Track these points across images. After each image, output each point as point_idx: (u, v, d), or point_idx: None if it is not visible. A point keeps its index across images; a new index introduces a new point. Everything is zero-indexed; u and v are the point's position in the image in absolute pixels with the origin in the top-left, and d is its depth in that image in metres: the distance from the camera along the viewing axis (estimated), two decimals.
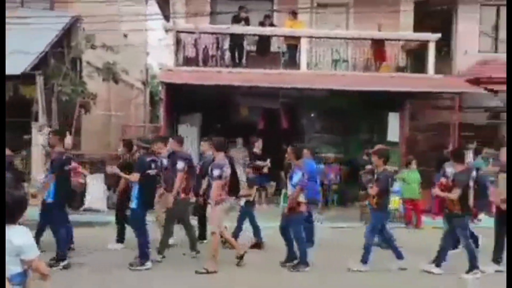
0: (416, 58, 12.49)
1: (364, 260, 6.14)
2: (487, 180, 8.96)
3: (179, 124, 12.04)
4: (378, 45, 12.28)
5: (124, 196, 6.65)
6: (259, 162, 10.16)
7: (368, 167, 10.44)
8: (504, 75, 12.31)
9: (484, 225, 8.19)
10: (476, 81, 12.07)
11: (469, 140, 11.13)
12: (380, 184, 6.17)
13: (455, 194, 6.02)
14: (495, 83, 12.16)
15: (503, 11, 13.97)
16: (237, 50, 11.99)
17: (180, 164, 6.36)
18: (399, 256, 6.27)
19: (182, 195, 6.48)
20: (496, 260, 6.22)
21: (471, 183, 6.38)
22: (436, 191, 6.40)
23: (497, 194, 6.46)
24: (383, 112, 11.98)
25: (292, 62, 12.16)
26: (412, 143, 11.58)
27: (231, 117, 12.14)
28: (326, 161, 11.17)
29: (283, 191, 10.86)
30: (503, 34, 13.85)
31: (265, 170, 10.40)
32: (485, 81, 12.19)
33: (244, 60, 12.09)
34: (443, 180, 6.48)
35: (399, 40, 12.51)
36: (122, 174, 6.40)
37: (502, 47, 13.65)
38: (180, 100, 11.31)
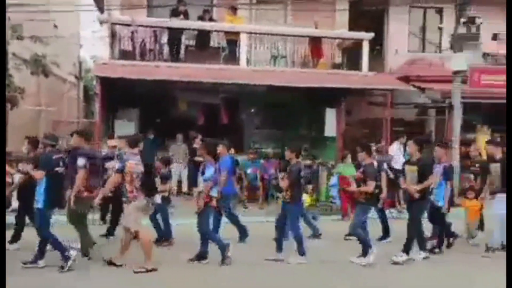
0: (351, 56, 12.96)
1: (301, 252, 6.26)
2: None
3: (115, 119, 11.64)
4: (315, 43, 12.60)
5: (25, 194, 6.25)
6: (198, 158, 10.06)
7: (307, 162, 10.76)
8: (431, 73, 13.17)
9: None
10: (406, 79, 12.75)
11: (399, 134, 11.72)
12: (291, 177, 6.23)
13: (370, 186, 6.23)
14: (423, 81, 12.94)
15: (430, 13, 14.88)
16: (176, 45, 11.78)
17: (81, 161, 6.03)
18: (300, 252, 6.31)
19: (85, 193, 6.13)
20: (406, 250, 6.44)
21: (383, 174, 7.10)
22: (351, 187, 6.61)
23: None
24: (321, 108, 12.33)
25: (232, 57, 12.15)
26: (347, 138, 12.02)
27: (170, 112, 11.94)
28: (266, 156, 11.30)
29: None
30: (429, 35, 14.75)
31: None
32: (414, 79, 12.91)
33: (183, 55, 11.91)
34: (358, 173, 6.67)
35: (335, 38, 12.91)
36: (32, 172, 5.89)
37: (429, 47, 14.53)
38: (116, 95, 10.92)
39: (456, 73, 11.77)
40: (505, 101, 12.62)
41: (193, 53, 11.97)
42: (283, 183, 6.33)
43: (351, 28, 13.42)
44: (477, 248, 7.10)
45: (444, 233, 7.13)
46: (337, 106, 12.41)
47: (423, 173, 6.40)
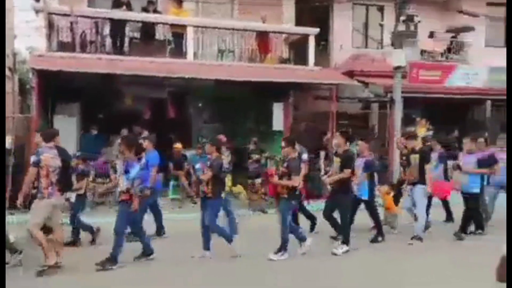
0: (298, 51, 13.12)
1: (206, 247, 6.23)
2: None
3: (54, 114, 11.07)
4: (262, 37, 12.63)
5: None
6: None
7: (256, 156, 10.79)
8: (373, 68, 13.62)
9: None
10: (350, 74, 13.13)
11: (344, 127, 12.05)
12: (213, 171, 6.16)
13: (295, 181, 6.16)
14: (366, 76, 13.38)
15: (372, 11, 15.38)
16: (119, 37, 11.36)
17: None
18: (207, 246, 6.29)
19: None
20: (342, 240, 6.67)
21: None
22: (274, 179, 6.42)
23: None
24: (268, 102, 12.40)
25: (179, 51, 11.91)
26: (295, 131, 12.19)
27: (114, 107, 11.52)
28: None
29: (171, 182, 10.67)
30: (372, 31, 15.25)
31: None
32: (357, 74, 13.33)
33: (127, 48, 11.51)
34: (283, 168, 6.41)
35: (281, 33, 13.01)
36: None
37: (371, 43, 15.03)
38: (55, 89, 10.38)
39: (396, 68, 12.27)
40: (440, 95, 13.42)
41: (138, 46, 11.59)
42: (204, 177, 6.20)
43: (297, 23, 13.59)
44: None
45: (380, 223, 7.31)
46: (284, 100, 12.54)
47: (344, 166, 6.55)
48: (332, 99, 12.21)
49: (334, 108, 12.17)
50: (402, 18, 12.34)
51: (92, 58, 10.74)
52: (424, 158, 7.12)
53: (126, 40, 11.54)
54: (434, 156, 8.02)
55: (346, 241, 6.52)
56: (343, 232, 6.65)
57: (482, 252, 5.88)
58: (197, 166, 10.74)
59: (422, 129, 12.74)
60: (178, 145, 10.88)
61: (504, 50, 16.18)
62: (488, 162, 7.62)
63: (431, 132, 12.44)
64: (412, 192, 7.22)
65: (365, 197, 7.15)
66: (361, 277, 5.58)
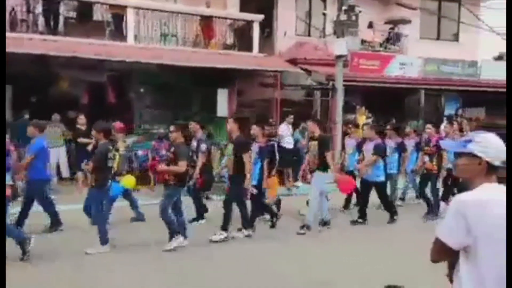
0: (242, 37, 13.07)
1: (103, 241, 5.82)
2: (302, 151, 10.05)
3: None
4: (206, 22, 12.44)
5: None
6: (82, 139, 9.37)
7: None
8: (316, 57, 13.88)
9: (302, 192, 9.19)
10: (293, 61, 13.29)
11: (288, 114, 12.22)
12: (95, 160, 5.82)
13: (182, 167, 5.86)
14: (309, 64, 13.60)
15: (315, 0, 15.59)
16: (53, 16, 10.71)
17: None
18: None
19: None
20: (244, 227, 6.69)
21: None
22: (162, 166, 6.24)
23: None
24: (213, 88, 12.28)
25: (119, 33, 11.44)
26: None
27: (49, 90, 10.88)
28: (159, 137, 10.95)
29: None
30: (315, 20, 15.48)
31: (90, 147, 9.64)
32: (301, 61, 13.51)
33: (62, 28, 10.89)
34: (169, 154, 6.20)
35: (226, 18, 12.87)
36: None
37: (314, 32, 15.26)
38: None
39: (338, 57, 12.57)
40: (379, 84, 13.94)
41: (74, 26, 11.01)
42: (88, 167, 5.94)
43: (242, 10, 13.50)
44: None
45: (260, 212, 7.23)
46: (228, 86, 12.47)
47: (236, 154, 6.36)
48: (276, 86, 12.31)
49: (278, 95, 12.29)
50: (344, 8, 12.63)
51: (23, 37, 10.05)
52: (323, 146, 6.99)
53: (61, 19, 10.91)
54: (390, 144, 8.43)
55: (247, 226, 6.60)
56: (242, 217, 6.61)
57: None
58: (139, 152, 10.59)
59: (362, 117, 13.20)
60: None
61: (437, 42, 17.16)
62: (398, 150, 8.43)
63: (370, 120, 12.91)
64: (312, 180, 7.23)
65: (255, 182, 6.82)
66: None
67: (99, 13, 11.40)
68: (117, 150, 6.99)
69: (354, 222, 7.69)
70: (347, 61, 13.24)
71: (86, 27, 10.98)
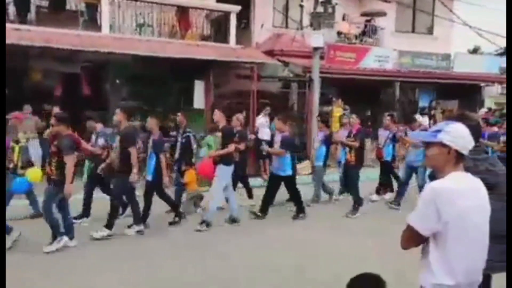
0: (219, 29, 13.00)
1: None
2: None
3: None
4: (183, 13, 12.32)
5: None
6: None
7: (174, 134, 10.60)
8: (293, 48, 13.92)
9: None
10: (271, 53, 13.31)
11: (265, 106, 12.26)
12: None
13: (68, 161, 5.59)
14: (286, 56, 13.64)
15: None
16: (24, 4, 10.43)
17: None
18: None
19: None
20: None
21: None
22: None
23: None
24: (189, 80, 12.19)
25: (93, 23, 11.24)
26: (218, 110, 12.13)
27: (20, 82, 10.63)
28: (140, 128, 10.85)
29: (86, 162, 10.20)
30: (292, 12, 15.50)
31: None
32: (278, 53, 13.54)
33: (33, 17, 10.62)
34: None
35: (202, 9, 12.77)
36: None
37: (291, 23, 15.28)
38: None
39: (315, 49, 12.66)
40: (355, 76, 14.09)
41: (46, 16, 10.75)
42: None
43: (219, 1, 13.41)
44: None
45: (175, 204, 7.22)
46: (205, 78, 12.40)
47: (125, 146, 6.19)
48: (254, 78, 12.32)
49: (255, 87, 12.30)
50: (320, 0, 12.70)
51: None
52: (226, 138, 6.81)
53: (32, 8, 10.64)
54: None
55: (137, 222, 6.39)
56: (133, 213, 6.46)
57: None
58: (115, 144, 10.47)
59: (339, 109, 13.34)
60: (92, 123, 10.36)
61: (412, 35, 17.42)
62: (326, 143, 8.45)
63: (347, 111, 13.07)
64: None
65: (150, 178, 6.74)
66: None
67: (73, 3, 11.17)
68: (16, 142, 6.87)
69: (254, 214, 7.42)
70: (323, 53, 13.34)
71: (59, 17, 10.74)
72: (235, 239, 6.35)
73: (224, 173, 6.78)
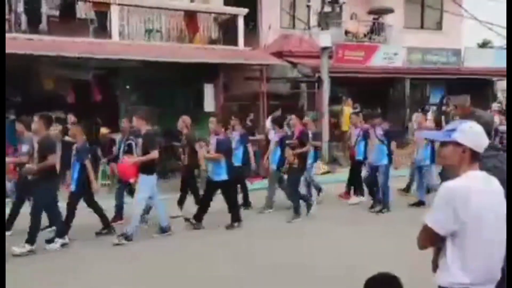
0: (227, 31, 13.06)
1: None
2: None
3: None
4: (191, 17, 12.42)
5: None
6: (69, 138, 9.34)
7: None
8: (302, 49, 13.93)
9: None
10: (279, 54, 13.33)
11: (275, 108, 12.29)
12: (44, 153, 5.62)
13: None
14: (295, 56, 13.66)
15: None
16: (36, 14, 10.61)
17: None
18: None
19: None
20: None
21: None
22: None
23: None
24: (199, 83, 12.28)
25: (103, 30, 11.39)
26: (227, 112, 12.20)
27: (34, 90, 10.81)
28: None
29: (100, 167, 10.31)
30: (299, 12, 15.51)
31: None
32: (286, 54, 13.56)
33: (45, 26, 10.80)
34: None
35: (210, 12, 12.86)
36: None
37: (299, 24, 15.29)
38: None
39: (323, 49, 12.66)
40: (364, 75, 14.05)
41: (57, 25, 10.92)
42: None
43: (226, 4, 13.49)
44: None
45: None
46: (215, 81, 12.48)
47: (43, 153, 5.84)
48: (263, 80, 12.36)
49: (265, 89, 12.34)
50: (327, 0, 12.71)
51: (6, 37, 9.94)
52: (148, 144, 6.28)
53: (44, 18, 10.81)
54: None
55: (56, 237, 5.92)
56: (57, 225, 6.07)
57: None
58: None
59: (349, 108, 13.32)
60: (104, 130, 10.49)
61: (421, 31, 17.30)
62: (243, 142, 8.13)
63: (357, 110, 13.04)
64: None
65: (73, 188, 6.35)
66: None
67: (82, 11, 11.32)
68: None
69: (186, 220, 6.93)
70: (332, 53, 13.33)
71: (69, 26, 10.90)
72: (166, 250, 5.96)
73: (146, 183, 6.24)
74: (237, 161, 7.83)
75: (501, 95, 17.99)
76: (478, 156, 2.32)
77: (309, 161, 8.03)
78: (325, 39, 12.53)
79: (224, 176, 6.81)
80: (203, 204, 6.96)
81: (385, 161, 7.78)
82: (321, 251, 5.84)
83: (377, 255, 5.45)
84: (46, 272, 5.19)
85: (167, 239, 6.40)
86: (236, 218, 6.94)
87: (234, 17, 12.64)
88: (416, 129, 9.58)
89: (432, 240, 2.32)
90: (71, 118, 9.91)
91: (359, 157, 8.40)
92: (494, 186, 2.32)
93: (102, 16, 11.43)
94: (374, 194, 7.97)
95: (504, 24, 15.39)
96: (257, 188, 9.32)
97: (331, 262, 5.38)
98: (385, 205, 7.74)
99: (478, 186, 2.24)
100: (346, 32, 15.07)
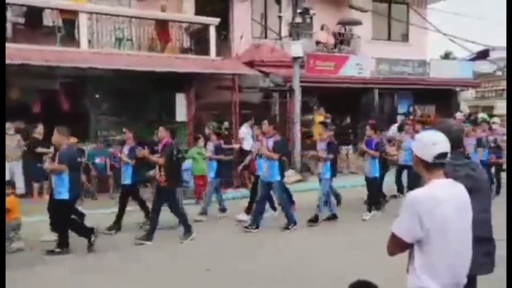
0: (199, 41, 13.04)
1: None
2: None
3: None
4: (162, 26, 12.33)
5: None
6: (41, 149, 9.10)
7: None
8: (273, 59, 14.04)
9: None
10: (251, 64, 13.40)
11: (247, 117, 12.29)
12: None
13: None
14: (267, 66, 13.76)
15: (270, 2, 15.79)
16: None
17: None
18: None
19: None
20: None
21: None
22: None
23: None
24: (170, 93, 12.17)
25: (70, 39, 11.14)
26: (198, 122, 12.15)
27: None
28: (115, 143, 10.76)
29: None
30: (270, 23, 15.66)
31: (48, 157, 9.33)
32: (258, 64, 13.64)
33: (10, 34, 10.48)
34: None
35: (181, 22, 12.81)
36: None
37: (270, 34, 15.43)
38: None
39: (295, 59, 12.80)
40: (334, 85, 14.27)
41: (23, 33, 10.61)
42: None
43: (197, 14, 13.46)
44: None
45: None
46: (186, 90, 12.40)
47: None
48: (235, 89, 12.37)
49: (237, 98, 12.35)
50: (298, 10, 12.88)
51: None
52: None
53: (9, 25, 10.49)
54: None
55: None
56: None
57: None
58: (97, 160, 10.38)
59: (320, 117, 13.48)
60: (73, 139, 10.21)
61: (388, 43, 17.77)
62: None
63: (329, 120, 13.22)
64: None
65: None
66: None
67: (50, 19, 11.05)
68: None
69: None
70: (303, 63, 13.49)
71: (36, 34, 10.62)
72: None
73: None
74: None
75: (465, 106, 18.68)
76: (435, 165, 2.34)
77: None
78: (296, 49, 12.68)
79: (278, 177, 7.30)
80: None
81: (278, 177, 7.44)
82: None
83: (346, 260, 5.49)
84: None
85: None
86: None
87: (206, 26, 12.63)
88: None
89: (401, 247, 2.37)
90: (39, 128, 9.66)
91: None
92: (459, 195, 2.38)
93: (70, 24, 11.19)
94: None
95: (467, 37, 16.02)
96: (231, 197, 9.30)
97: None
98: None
99: (443, 195, 2.30)
100: (317, 43, 15.31)
